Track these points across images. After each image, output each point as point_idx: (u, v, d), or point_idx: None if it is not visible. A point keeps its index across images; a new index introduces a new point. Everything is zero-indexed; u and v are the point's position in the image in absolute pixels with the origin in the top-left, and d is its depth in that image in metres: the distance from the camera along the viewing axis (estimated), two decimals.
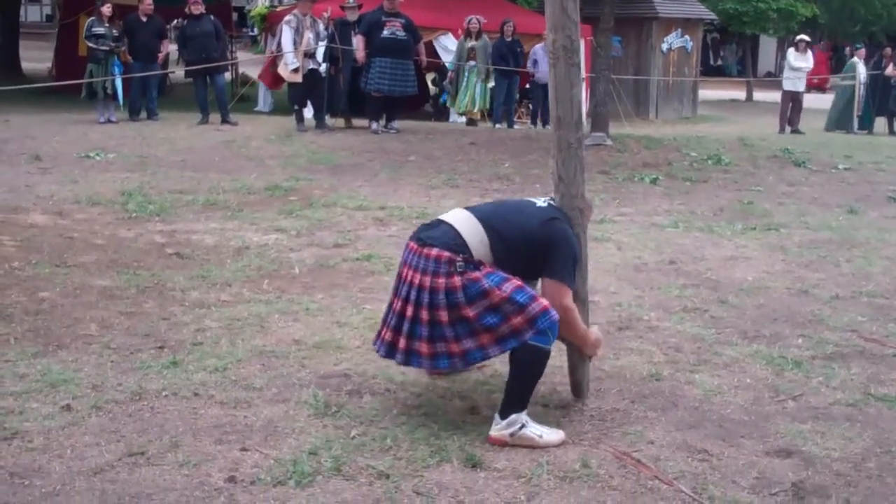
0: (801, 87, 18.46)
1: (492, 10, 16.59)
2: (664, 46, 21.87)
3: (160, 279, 6.21)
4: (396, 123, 13.64)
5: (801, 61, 18.43)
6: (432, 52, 16.58)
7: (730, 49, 40.35)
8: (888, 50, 21.38)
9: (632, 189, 10.66)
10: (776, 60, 37.07)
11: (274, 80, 16.88)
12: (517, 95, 16.91)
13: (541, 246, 4.01)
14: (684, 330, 5.53)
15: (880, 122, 19.54)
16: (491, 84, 15.59)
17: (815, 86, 31.56)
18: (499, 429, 3.91)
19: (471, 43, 15.29)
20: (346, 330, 5.30)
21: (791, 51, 18.75)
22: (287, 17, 13.48)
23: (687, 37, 22.49)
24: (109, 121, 13.53)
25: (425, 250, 3.91)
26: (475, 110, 15.78)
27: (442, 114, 17.76)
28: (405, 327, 3.95)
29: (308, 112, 13.90)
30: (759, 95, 28.75)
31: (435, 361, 3.95)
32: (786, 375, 4.83)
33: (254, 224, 8.05)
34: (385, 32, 12.86)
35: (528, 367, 3.93)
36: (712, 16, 24.25)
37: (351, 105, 14.08)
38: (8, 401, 4.13)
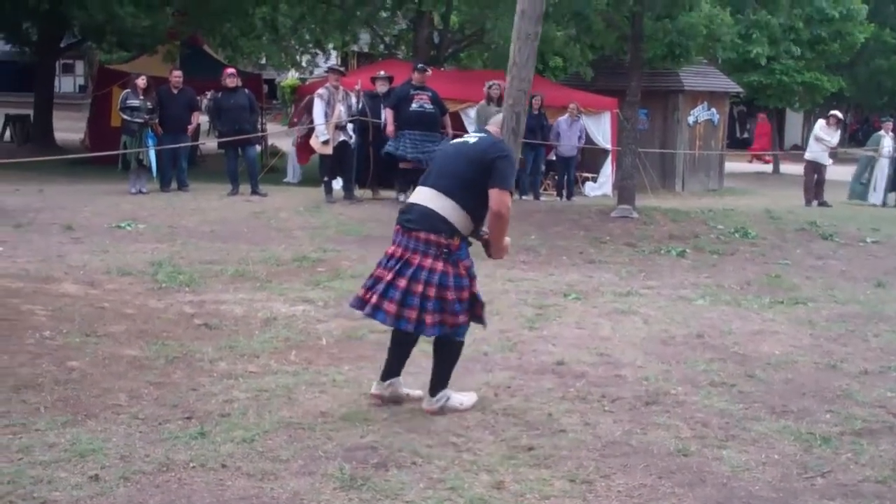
0: (827, 161, 18.44)
1: None
2: (690, 119, 22.02)
3: (188, 349, 6.26)
4: None
5: (828, 135, 18.44)
6: (459, 123, 16.76)
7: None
8: None
9: (658, 262, 10.68)
10: (803, 133, 37.12)
11: (302, 151, 17.12)
12: (543, 167, 17.04)
13: (487, 170, 5.00)
14: (711, 405, 5.49)
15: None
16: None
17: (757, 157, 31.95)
18: (431, 403, 5.13)
19: (493, 108, 15.43)
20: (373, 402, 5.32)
21: (821, 122, 18.74)
22: (319, 91, 13.70)
23: (713, 110, 22.64)
24: (141, 192, 13.72)
25: (413, 233, 4.95)
26: None
27: None
28: (380, 287, 5.00)
29: (337, 184, 14.05)
30: (785, 168, 28.78)
31: (397, 321, 4.97)
32: (814, 452, 4.79)
33: (282, 295, 8.11)
34: (414, 105, 13.08)
35: (454, 356, 5.19)
36: (738, 89, 24.40)
37: (379, 177, 14.24)
38: (37, 470, 4.16)
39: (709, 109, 22.46)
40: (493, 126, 5.51)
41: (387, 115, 13.44)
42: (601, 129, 19.11)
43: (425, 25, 20.93)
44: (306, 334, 6.85)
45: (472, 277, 5.08)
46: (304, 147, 16.72)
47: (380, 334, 6.85)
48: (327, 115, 13.31)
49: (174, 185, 14.38)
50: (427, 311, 4.90)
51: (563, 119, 16.42)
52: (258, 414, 5.05)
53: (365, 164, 14.05)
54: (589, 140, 18.17)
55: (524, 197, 15.89)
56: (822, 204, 17.91)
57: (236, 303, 7.75)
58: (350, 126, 13.63)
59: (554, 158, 17.17)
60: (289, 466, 4.35)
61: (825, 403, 5.58)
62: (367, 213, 12.68)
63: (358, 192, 13.98)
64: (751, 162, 32.25)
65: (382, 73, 14.53)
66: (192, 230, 11.16)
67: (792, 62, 25.23)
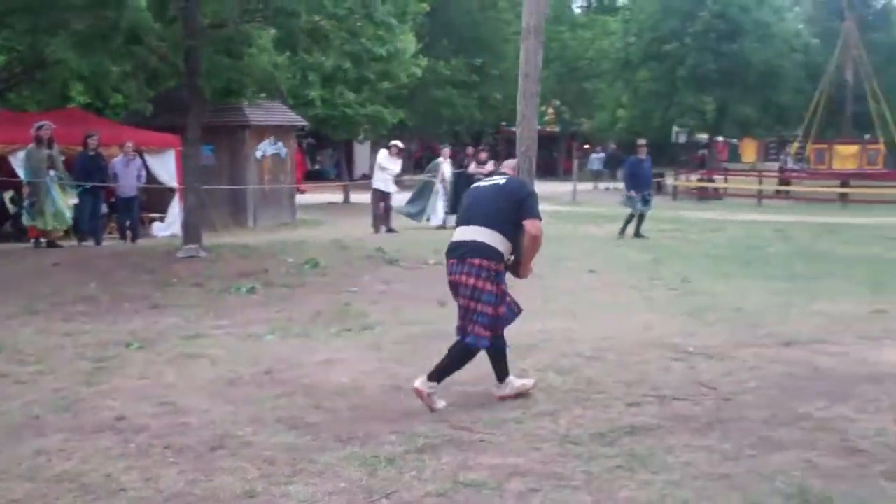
0: (392, 188, 19.28)
1: (73, 121, 15.90)
2: (258, 153, 22.05)
3: None
4: None
5: (391, 163, 19.29)
6: (8, 169, 15.51)
7: (327, 154, 41.69)
8: (470, 149, 23.08)
9: (228, 300, 10.49)
10: (371, 163, 38.74)
11: None
12: (105, 209, 16.22)
13: (520, 205, 6.13)
14: (279, 441, 5.39)
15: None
16: (74, 200, 14.81)
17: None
18: (422, 383, 6.09)
19: (44, 151, 14.40)
20: None
21: (384, 152, 19.54)
22: None
23: (280, 143, 22.85)
24: None
25: (467, 259, 6.06)
26: (59, 228, 14.88)
27: (23, 234, 16.61)
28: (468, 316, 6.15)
29: None
30: (355, 197, 29.77)
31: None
32: (379, 474, 4.82)
33: None
34: None
35: (465, 360, 6.25)
36: (303, 122, 24.84)
37: None
38: None
39: (276, 143, 22.64)
40: (511, 169, 6.82)
41: None
42: (166, 167, 18.49)
43: None
44: None
45: (501, 299, 6.20)
46: None
47: None
48: None
49: None
50: (466, 318, 6.18)
51: (118, 159, 15.77)
52: None
53: None
54: (154, 179, 17.59)
55: (84, 244, 14.99)
56: (390, 230, 18.70)
57: None
58: None
59: (114, 200, 16.40)
60: None
61: (390, 425, 5.68)
62: None
63: None
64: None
65: None
66: None
67: (353, 96, 26.13)
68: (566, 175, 40.74)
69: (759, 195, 32.33)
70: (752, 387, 6.54)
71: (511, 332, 8.16)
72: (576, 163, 33.41)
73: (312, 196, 30.60)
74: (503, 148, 56.89)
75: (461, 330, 6.22)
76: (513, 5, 49.98)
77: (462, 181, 20.36)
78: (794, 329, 8.61)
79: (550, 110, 49.28)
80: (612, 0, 66.44)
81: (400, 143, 20.37)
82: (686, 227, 19.58)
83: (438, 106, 38.15)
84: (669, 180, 36.51)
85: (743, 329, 8.66)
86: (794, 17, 50.43)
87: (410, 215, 20.23)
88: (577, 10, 57.90)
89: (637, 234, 17.58)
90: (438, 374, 6.14)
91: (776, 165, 41.80)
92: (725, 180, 35.56)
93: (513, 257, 6.31)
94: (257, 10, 13.34)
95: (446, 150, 21.24)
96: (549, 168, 50.06)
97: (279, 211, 22.98)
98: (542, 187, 37.21)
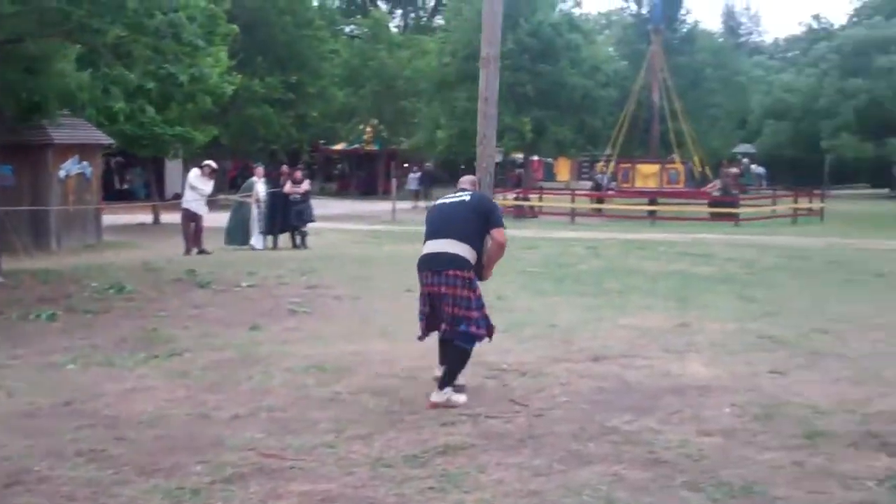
0: (203, 210, 18.80)
1: None
2: (62, 173, 21.05)
3: None
4: None
5: (202, 183, 18.81)
6: None
7: (136, 173, 40.30)
8: (285, 167, 22.77)
9: (27, 328, 9.92)
10: (183, 182, 37.75)
11: None
12: None
13: (486, 217, 6.85)
14: (79, 475, 5.10)
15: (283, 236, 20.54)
16: None
17: None
18: (439, 396, 6.59)
19: None
20: None
21: (195, 171, 19.04)
22: None
23: (86, 163, 21.90)
24: None
25: (446, 272, 6.64)
26: None
27: None
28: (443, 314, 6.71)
29: None
30: (166, 218, 28.85)
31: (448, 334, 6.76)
32: None
33: None
34: None
35: (463, 361, 6.76)
36: (109, 140, 23.86)
37: None
38: None
39: (80, 162, 21.69)
40: (471, 184, 7.35)
41: None
42: None
43: None
44: None
45: (480, 304, 6.86)
46: None
47: None
48: None
49: None
50: (454, 323, 6.67)
51: None
52: None
53: None
54: None
55: None
56: (202, 251, 18.19)
57: None
58: None
59: None
60: None
61: (196, 454, 5.46)
62: None
63: None
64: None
65: None
66: None
67: (157, 115, 25.27)
68: (385, 194, 40.87)
69: (573, 213, 33.29)
70: (563, 402, 6.65)
71: (327, 355, 8.08)
72: (394, 182, 33.51)
73: (122, 217, 29.54)
74: (320, 167, 56.76)
75: (447, 333, 6.77)
76: (329, 23, 50.11)
77: (277, 201, 20.11)
78: (604, 344, 8.84)
79: (369, 129, 49.38)
80: (429, 20, 67.48)
81: (213, 164, 19.88)
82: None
83: (254, 124, 37.65)
84: None
85: (556, 345, 8.82)
86: (604, 40, 52.47)
87: (235, 243, 19.72)
88: (394, 30, 58.47)
89: None
90: (447, 382, 6.68)
91: (589, 184, 43.25)
92: (541, 199, 36.43)
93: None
94: (57, 25, 12.71)
95: (260, 169, 20.86)
96: (368, 187, 50.17)
97: (84, 233, 21.93)
98: (360, 206, 37.54)
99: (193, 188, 18.61)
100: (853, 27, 63.63)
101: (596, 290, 12.92)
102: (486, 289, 12.56)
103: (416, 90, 44.50)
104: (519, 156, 46.20)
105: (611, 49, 55.36)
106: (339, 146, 52.36)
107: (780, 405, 6.52)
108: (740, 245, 20.54)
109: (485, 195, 7.51)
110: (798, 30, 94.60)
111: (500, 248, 6.92)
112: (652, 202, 33.09)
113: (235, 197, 21.10)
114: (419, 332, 7.14)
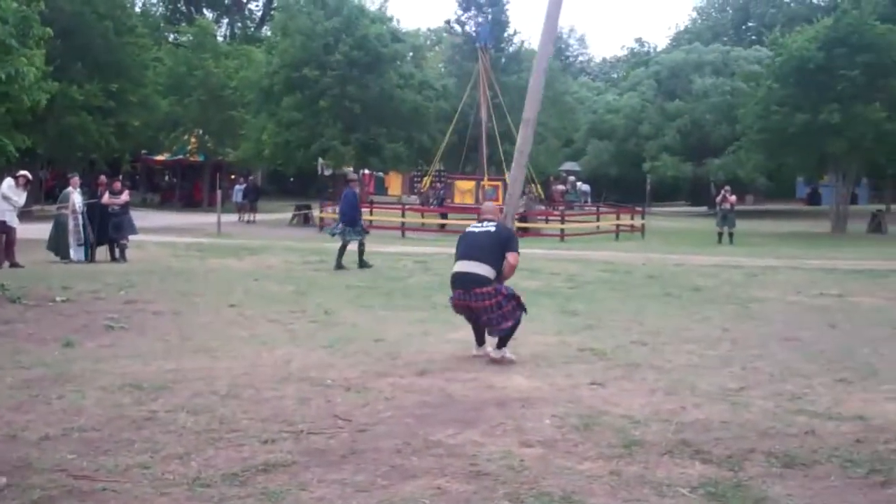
0: (15, 222, 17.97)
1: None
2: None
3: None
4: None
5: (15, 194, 17.97)
6: None
7: None
8: (103, 178, 21.97)
9: None
10: None
11: None
12: None
13: (505, 244, 8.74)
14: None
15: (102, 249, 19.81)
16: None
17: None
18: (497, 353, 8.68)
19: None
20: None
21: (9, 181, 18.15)
22: None
23: None
24: None
25: (473, 290, 8.57)
26: None
27: None
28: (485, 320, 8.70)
29: None
30: None
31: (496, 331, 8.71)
32: None
33: None
34: None
35: (513, 330, 8.68)
36: None
37: None
38: None
39: None
40: (492, 213, 9.34)
41: None
42: None
43: None
44: None
45: (511, 297, 8.69)
46: None
47: None
48: None
49: None
50: (493, 325, 8.69)
51: None
52: None
53: None
54: None
55: None
56: (14, 265, 17.38)
57: None
58: None
59: None
60: None
61: (3, 477, 5.14)
62: None
63: None
64: None
65: None
66: None
67: None
68: (210, 206, 40.02)
69: (403, 227, 33.45)
70: (387, 417, 6.61)
71: (144, 373, 7.80)
72: (219, 194, 32.86)
73: None
74: (143, 177, 55.16)
75: (490, 332, 8.84)
76: (153, 30, 48.87)
77: (95, 212, 19.39)
78: (429, 358, 8.86)
79: (193, 139, 48.34)
80: (257, 30, 66.70)
81: (28, 174, 19.03)
82: (330, 258, 19.79)
83: (72, 132, 36.22)
84: (316, 212, 36.92)
85: (381, 359, 8.79)
86: (434, 57, 53.07)
87: (59, 256, 18.90)
88: (221, 39, 57.54)
89: (362, 264, 18.20)
90: (504, 344, 8.75)
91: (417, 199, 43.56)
92: (371, 213, 36.48)
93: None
94: None
95: (75, 179, 20.09)
96: (192, 199, 49.05)
97: None
98: (184, 218, 36.64)
99: (6, 199, 17.76)
100: (672, 51, 66.75)
101: (424, 305, 12.98)
102: (310, 304, 12.57)
103: (243, 100, 43.87)
104: (349, 169, 46.14)
105: (441, 66, 56.10)
106: (163, 156, 51.07)
107: (599, 416, 6.67)
108: (565, 260, 21.10)
109: (505, 227, 9.35)
110: (622, 52, 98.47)
111: (512, 268, 8.77)
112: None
113: (53, 208, 20.25)
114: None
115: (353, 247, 18.44)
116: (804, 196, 67.43)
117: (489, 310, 8.53)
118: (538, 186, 39.52)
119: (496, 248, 8.68)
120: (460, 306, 8.84)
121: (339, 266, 18.03)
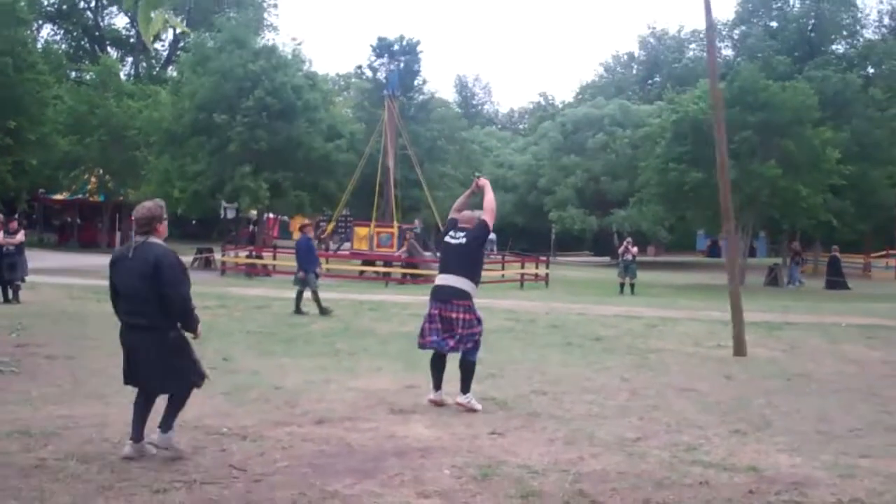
0: None
1: None
2: None
3: None
4: None
5: None
6: None
7: None
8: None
9: None
10: None
11: None
12: None
13: (478, 244, 9.20)
14: None
15: None
16: None
17: None
18: (464, 398, 8.82)
19: None
20: None
21: None
22: None
23: None
24: None
25: (452, 301, 8.80)
26: None
27: None
28: (436, 333, 8.84)
29: None
30: None
31: (454, 349, 8.83)
32: None
33: None
34: None
35: (472, 371, 8.92)
36: None
37: None
38: None
39: None
40: (468, 221, 9.23)
41: None
42: None
43: None
44: None
45: (480, 322, 9.03)
46: None
47: None
48: None
49: None
50: (460, 341, 8.77)
51: None
52: None
53: None
54: None
55: None
56: None
57: None
58: None
59: None
60: None
61: None
62: None
63: None
64: None
65: None
66: None
67: None
68: (109, 247, 39.14)
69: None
70: (283, 466, 6.50)
71: (34, 419, 7.56)
72: (119, 235, 32.13)
73: None
74: (40, 216, 53.76)
75: (455, 348, 8.81)
76: (54, 67, 47.88)
77: None
78: (329, 406, 8.76)
79: (94, 179, 47.36)
80: (162, 70, 65.87)
81: None
82: (232, 303, 19.49)
83: None
84: (218, 256, 36.41)
85: (280, 408, 8.65)
86: (342, 102, 53.10)
87: None
88: (125, 78, 56.74)
89: (322, 311, 18.09)
90: (466, 388, 8.87)
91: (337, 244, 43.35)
92: (274, 257, 36.09)
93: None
94: None
95: None
96: (90, 239, 47.99)
97: None
98: (82, 259, 35.69)
99: None
100: (575, 106, 68.17)
101: (326, 351, 12.86)
102: (209, 350, 12.33)
103: (147, 141, 43.15)
104: (253, 212, 45.71)
105: (349, 111, 56.12)
106: (62, 196, 49.87)
107: (498, 465, 6.67)
108: None
109: (476, 234, 9.14)
110: (528, 104, 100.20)
111: (493, 211, 9.26)
112: (387, 264, 33.58)
113: None
114: (420, 343, 9.04)
115: (308, 294, 18.45)
116: (704, 248, 69.18)
117: (465, 324, 8.76)
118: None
119: (469, 258, 9.01)
120: (437, 317, 8.84)
121: (298, 310, 18.31)
